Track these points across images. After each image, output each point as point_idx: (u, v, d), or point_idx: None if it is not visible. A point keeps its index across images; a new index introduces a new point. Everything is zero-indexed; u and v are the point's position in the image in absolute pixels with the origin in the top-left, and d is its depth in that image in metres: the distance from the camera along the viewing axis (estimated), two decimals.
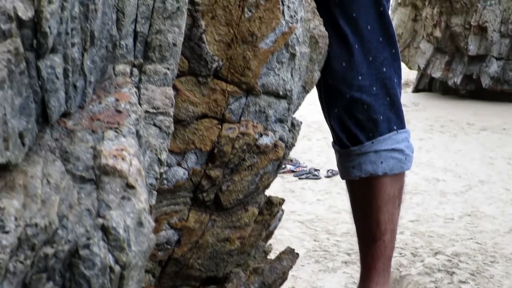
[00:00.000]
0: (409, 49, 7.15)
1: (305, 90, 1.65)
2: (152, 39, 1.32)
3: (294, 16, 1.48)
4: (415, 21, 7.07)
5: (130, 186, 0.87)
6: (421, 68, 6.99)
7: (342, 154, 1.94)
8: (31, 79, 0.85)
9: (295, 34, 1.49)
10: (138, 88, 1.29)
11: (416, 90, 7.41)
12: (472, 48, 6.66)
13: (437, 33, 6.73)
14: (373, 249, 2.00)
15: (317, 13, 1.61)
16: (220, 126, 1.48)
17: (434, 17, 6.69)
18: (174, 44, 1.33)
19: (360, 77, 1.81)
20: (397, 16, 7.08)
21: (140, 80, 1.31)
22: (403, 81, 7.71)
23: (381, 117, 1.87)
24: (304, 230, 3.71)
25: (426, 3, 6.76)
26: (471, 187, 4.65)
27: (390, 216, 1.98)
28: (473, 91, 7.02)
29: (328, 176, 5.11)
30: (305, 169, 5.27)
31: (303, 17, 1.52)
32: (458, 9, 6.54)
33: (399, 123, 1.92)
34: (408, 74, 7.94)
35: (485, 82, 6.77)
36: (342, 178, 2.01)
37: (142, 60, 1.32)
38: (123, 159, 0.88)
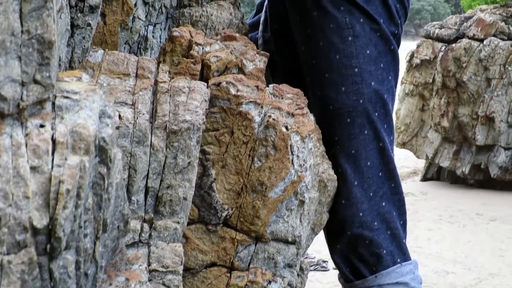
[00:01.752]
0: (417, 138, 7.19)
1: (314, 232, 1.65)
2: (163, 194, 1.34)
3: (303, 164, 1.50)
4: (422, 111, 7.13)
5: None
6: (429, 157, 7.01)
7: None
8: (43, 282, 0.86)
9: (304, 182, 1.51)
10: (148, 245, 1.30)
11: (425, 179, 7.42)
12: (480, 138, 6.69)
13: (445, 123, 6.78)
14: None
15: (326, 157, 1.63)
16: (229, 275, 1.49)
17: (442, 107, 6.75)
18: (185, 198, 1.35)
19: (361, 214, 1.81)
20: (404, 106, 7.14)
21: (150, 236, 1.32)
22: (411, 169, 7.60)
23: (384, 251, 1.87)
24: None
25: (434, 93, 6.83)
26: (481, 280, 4.60)
27: None
28: (481, 180, 7.01)
29: (336, 268, 5.04)
30: (313, 260, 5.21)
31: (312, 164, 1.54)
32: (465, 99, 6.61)
33: (402, 255, 1.91)
34: (416, 163, 7.95)
35: (494, 171, 6.77)
36: None
37: (152, 215, 1.34)
38: None
